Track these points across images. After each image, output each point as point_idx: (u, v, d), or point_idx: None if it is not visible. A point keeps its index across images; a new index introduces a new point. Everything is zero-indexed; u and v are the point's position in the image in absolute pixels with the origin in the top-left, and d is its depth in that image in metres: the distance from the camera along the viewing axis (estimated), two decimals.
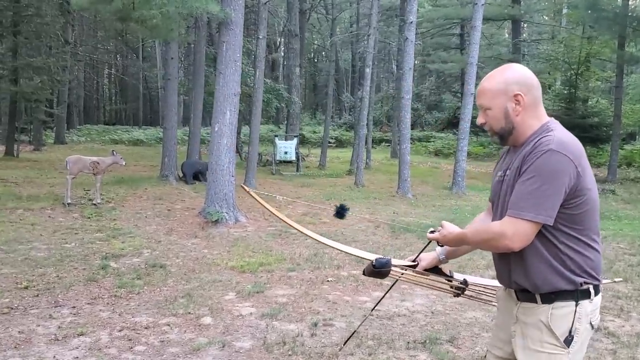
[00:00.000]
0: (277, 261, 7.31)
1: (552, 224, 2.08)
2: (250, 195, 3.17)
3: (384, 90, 43.78)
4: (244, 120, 22.92)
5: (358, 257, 3.05)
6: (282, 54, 41.74)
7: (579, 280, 2.13)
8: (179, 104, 28.73)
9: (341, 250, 3.18)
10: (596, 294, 2.19)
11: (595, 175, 22.08)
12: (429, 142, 34.11)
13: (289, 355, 4.35)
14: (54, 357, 4.19)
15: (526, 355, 2.19)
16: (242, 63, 17.36)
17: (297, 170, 20.79)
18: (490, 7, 27.01)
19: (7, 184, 13.51)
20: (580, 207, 2.11)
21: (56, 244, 7.86)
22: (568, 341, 2.12)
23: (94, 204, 10.89)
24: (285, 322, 5.10)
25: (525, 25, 37.57)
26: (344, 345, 4.48)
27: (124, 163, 11.70)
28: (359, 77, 31.69)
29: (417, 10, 17.33)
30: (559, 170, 2.03)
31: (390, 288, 3.27)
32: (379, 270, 2.57)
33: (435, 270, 2.67)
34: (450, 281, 2.70)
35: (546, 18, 40.88)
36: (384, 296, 3.45)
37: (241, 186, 3.76)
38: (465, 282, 2.70)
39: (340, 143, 34.97)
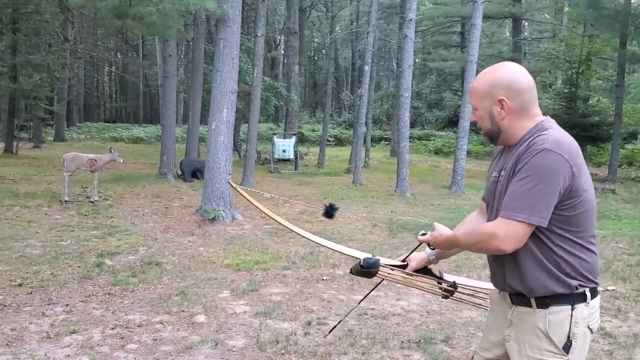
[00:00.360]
0: (273, 259, 7.29)
1: (546, 226, 2.02)
2: (237, 191, 3.13)
3: (384, 88, 43.74)
4: (243, 119, 22.89)
5: (347, 255, 3.00)
6: (282, 52, 41.67)
7: (574, 283, 2.08)
8: (179, 101, 28.78)
9: (329, 248, 3.13)
10: (593, 297, 2.13)
11: (596, 174, 22.07)
12: (429, 140, 34.04)
13: (282, 354, 4.32)
14: (45, 355, 4.17)
15: None
16: (241, 61, 17.40)
17: (296, 169, 20.76)
18: (490, 5, 26.95)
19: (5, 181, 13.50)
20: (576, 209, 2.05)
21: (52, 241, 7.83)
22: (567, 347, 2.07)
23: (92, 202, 10.87)
24: (279, 320, 5.07)
25: (526, 23, 37.51)
26: (329, 333, 4.47)
27: (121, 160, 11.69)
28: (359, 75, 31.68)
29: (418, 8, 17.34)
30: (553, 170, 1.98)
31: (377, 285, 3.22)
32: (366, 270, 2.51)
33: (425, 271, 2.62)
34: (440, 283, 2.65)
35: (547, 16, 40.83)
36: (370, 292, 3.42)
37: (228, 182, 3.73)
38: (454, 284, 2.64)
39: (339, 141, 34.94)
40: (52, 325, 4.75)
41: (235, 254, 7.55)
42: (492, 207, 2.24)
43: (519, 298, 2.17)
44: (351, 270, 2.61)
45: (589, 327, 2.12)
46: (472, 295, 2.80)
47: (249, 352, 4.35)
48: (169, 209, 10.76)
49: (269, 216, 3.19)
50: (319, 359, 4.25)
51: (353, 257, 2.85)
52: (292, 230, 3.17)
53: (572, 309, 2.08)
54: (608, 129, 23.42)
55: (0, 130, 26.40)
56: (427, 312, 5.47)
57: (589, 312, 2.12)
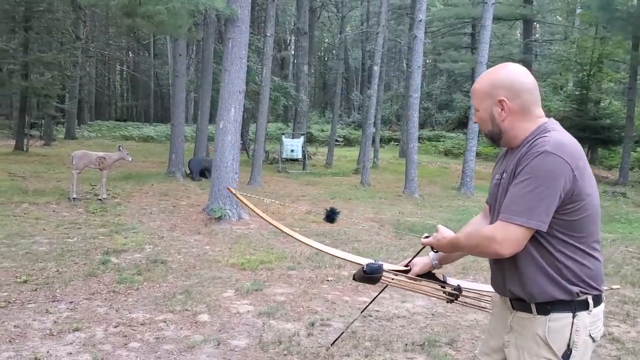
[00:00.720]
0: (278, 259, 7.27)
1: (545, 230, 1.98)
2: (236, 197, 3.11)
3: (393, 89, 43.68)
4: (252, 118, 22.91)
5: (349, 261, 2.96)
6: (292, 52, 41.68)
7: (575, 289, 2.03)
8: (189, 101, 28.81)
9: (330, 254, 3.09)
10: (596, 305, 2.07)
11: (607, 177, 21.92)
12: (439, 141, 33.93)
13: (284, 354, 4.30)
14: (48, 352, 4.17)
15: None
16: (251, 61, 17.42)
17: (304, 169, 20.76)
18: (501, 7, 26.83)
19: (15, 178, 13.57)
20: (578, 213, 2.00)
21: (58, 238, 7.85)
22: (567, 355, 2.02)
23: (100, 199, 10.90)
24: (283, 321, 5.05)
25: (537, 25, 37.34)
26: (331, 345, 4.43)
27: (130, 159, 11.71)
28: (369, 76, 31.64)
29: (428, 9, 17.30)
30: (553, 173, 1.93)
31: (379, 293, 3.19)
32: (370, 275, 2.47)
33: (428, 275, 2.59)
34: (444, 287, 2.61)
35: (559, 18, 40.63)
36: (371, 301, 3.39)
37: (227, 188, 3.71)
38: (458, 288, 2.59)
39: (348, 142, 34.92)
40: (55, 322, 4.75)
41: (241, 253, 7.54)
42: (494, 210, 2.21)
43: (520, 303, 2.13)
44: (354, 276, 2.56)
45: (590, 335, 2.07)
46: (477, 299, 2.76)
47: (251, 353, 4.33)
48: (176, 208, 10.77)
49: (269, 222, 3.15)
50: None
51: (356, 263, 2.81)
52: (292, 237, 3.13)
53: (574, 317, 2.04)
54: (619, 131, 23.28)
55: (12, 128, 26.56)
56: (432, 314, 5.43)
57: (591, 320, 2.07)
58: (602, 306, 2.12)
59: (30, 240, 7.63)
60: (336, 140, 26.55)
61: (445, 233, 2.30)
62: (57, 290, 5.62)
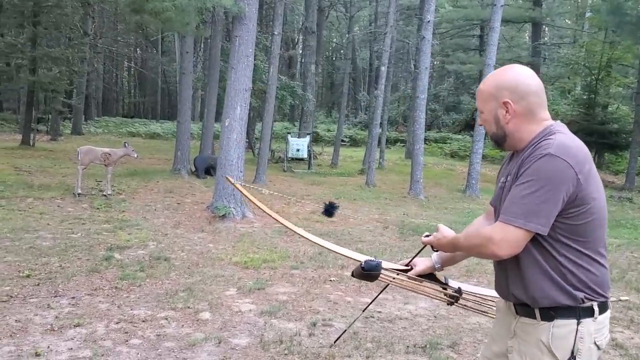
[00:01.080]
0: (281, 258, 7.26)
1: (546, 234, 1.95)
2: (236, 187, 3.09)
3: (401, 89, 43.60)
4: (258, 117, 22.91)
5: (347, 257, 2.95)
6: (300, 51, 41.66)
7: (580, 295, 1.99)
8: (196, 98, 28.84)
9: (329, 249, 3.07)
10: (601, 312, 2.04)
11: (613, 182, 21.81)
12: (445, 143, 33.82)
13: (285, 354, 4.29)
14: (48, 347, 4.16)
15: None
16: (258, 59, 17.42)
17: (309, 168, 20.74)
18: (510, 9, 26.76)
19: (20, 172, 13.60)
20: (583, 218, 1.97)
21: (62, 233, 7.86)
22: None
23: (104, 195, 10.91)
24: (284, 320, 5.03)
25: (546, 28, 37.23)
26: (333, 343, 4.42)
27: (135, 155, 11.71)
28: (376, 76, 31.62)
29: (437, 10, 17.26)
30: (556, 176, 1.90)
31: (381, 292, 3.17)
32: (367, 272, 2.47)
33: (429, 276, 2.56)
34: (445, 288, 2.59)
35: (568, 22, 40.52)
36: (373, 300, 3.37)
37: (225, 177, 3.70)
38: (459, 291, 2.57)
39: (354, 142, 34.87)
40: (56, 317, 4.75)
41: (244, 251, 7.53)
42: (498, 213, 2.18)
43: (524, 309, 2.10)
44: (353, 272, 2.56)
45: (595, 343, 2.03)
46: (478, 302, 2.73)
47: (252, 352, 4.32)
48: (180, 205, 10.77)
49: (267, 213, 3.14)
50: None
51: (355, 259, 2.79)
52: (292, 230, 3.12)
53: (578, 324, 2.00)
54: (627, 136, 23.17)
55: (19, 122, 26.64)
56: (435, 316, 5.41)
57: (596, 327, 2.03)
58: (607, 313, 2.08)
59: (34, 235, 7.63)
60: (342, 141, 26.52)
61: (445, 232, 2.28)
62: (60, 286, 5.62)
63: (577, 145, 1.98)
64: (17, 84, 23.96)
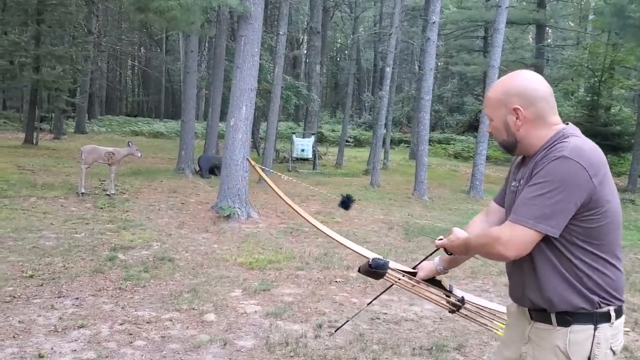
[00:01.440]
0: (287, 259, 7.22)
1: (556, 236, 1.92)
2: (256, 170, 3.08)
3: (405, 90, 43.55)
4: (263, 117, 22.88)
5: (359, 253, 2.94)
6: (304, 51, 41.63)
7: (596, 299, 1.97)
8: (200, 98, 28.82)
9: (341, 243, 3.05)
10: (617, 316, 2.02)
11: (616, 184, 21.92)
12: (449, 144, 33.79)
13: (291, 356, 4.25)
14: (52, 348, 4.12)
15: None
16: (263, 59, 17.40)
17: (314, 168, 20.71)
18: (514, 11, 26.70)
19: (24, 171, 13.58)
20: (598, 221, 1.95)
21: (66, 233, 7.82)
22: None
23: (108, 195, 10.88)
24: (290, 322, 4.99)
25: (549, 30, 37.14)
26: (335, 332, 4.42)
27: (139, 155, 11.68)
28: (380, 77, 31.55)
29: (441, 11, 17.18)
30: (569, 179, 1.88)
31: (387, 289, 3.14)
32: (374, 270, 2.49)
33: (435, 282, 2.56)
34: (449, 296, 2.58)
35: (571, 24, 40.44)
36: (381, 294, 3.33)
37: (247, 159, 3.70)
38: (462, 300, 2.57)
39: (358, 142, 34.84)
40: (60, 318, 4.71)
41: (249, 252, 7.49)
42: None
43: (539, 314, 2.07)
44: (359, 269, 2.58)
45: (611, 348, 2.00)
46: (478, 313, 2.71)
47: (258, 353, 4.28)
48: (184, 205, 10.74)
49: (284, 200, 3.12)
50: None
51: (364, 256, 2.78)
52: (309, 222, 3.10)
53: (595, 329, 1.98)
54: (629, 138, 23.11)
55: (22, 121, 26.64)
56: (440, 318, 5.36)
57: (612, 333, 2.01)
58: (623, 318, 2.06)
59: (38, 235, 7.60)
60: (347, 141, 26.47)
61: (458, 234, 2.25)
62: (63, 286, 5.58)
63: (591, 148, 1.97)
64: (21, 82, 23.96)
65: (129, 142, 11.95)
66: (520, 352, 2.14)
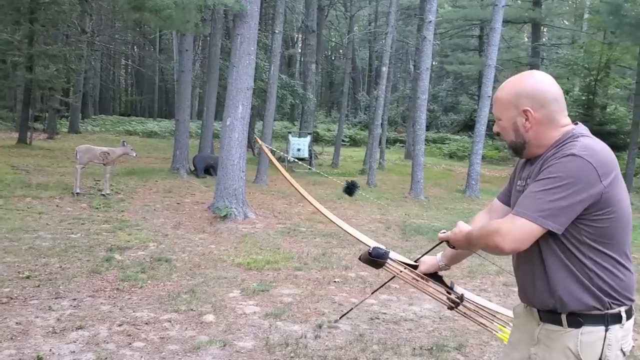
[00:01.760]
0: (285, 259, 7.18)
1: (559, 232, 1.90)
2: (265, 152, 3.05)
3: (400, 90, 43.58)
4: (258, 116, 22.82)
5: (361, 242, 2.92)
6: (299, 50, 41.57)
7: (606, 299, 1.95)
8: (194, 97, 28.74)
9: (346, 231, 3.01)
10: (628, 317, 2.00)
11: None
12: (443, 144, 33.84)
13: (291, 357, 4.22)
14: (50, 350, 4.08)
15: None
16: (258, 58, 17.34)
17: (309, 168, 20.66)
18: (510, 10, 26.74)
19: (18, 171, 13.49)
20: (609, 220, 1.93)
21: (62, 233, 7.77)
22: None
23: (103, 195, 10.81)
24: (289, 322, 4.96)
25: (545, 29, 37.20)
26: (339, 318, 4.43)
27: (134, 154, 11.62)
28: (376, 76, 31.52)
29: (437, 10, 17.15)
30: (577, 176, 1.85)
31: (389, 280, 3.12)
32: (374, 259, 2.49)
33: (435, 277, 2.54)
34: (449, 293, 2.55)
35: (567, 22, 40.52)
36: (382, 285, 3.32)
37: (256, 138, 3.68)
38: (461, 297, 2.54)
39: (354, 142, 34.84)
40: (58, 320, 4.66)
41: (247, 252, 7.45)
42: None
43: (549, 315, 2.05)
44: (360, 257, 2.58)
45: (622, 350, 1.99)
46: (477, 312, 2.69)
47: (258, 355, 4.25)
48: (180, 205, 10.69)
49: (290, 182, 3.12)
50: None
51: (366, 244, 2.76)
52: (315, 207, 3.09)
53: (606, 330, 1.96)
54: (625, 137, 23.18)
55: (15, 121, 26.50)
56: (440, 318, 5.35)
57: (623, 334, 1.99)
58: (633, 319, 2.04)
59: (34, 235, 7.54)
60: (342, 140, 26.44)
61: (462, 227, 2.22)
62: (61, 287, 5.53)
63: (601, 148, 1.95)
64: (14, 81, 23.79)
65: (123, 141, 11.88)
66: (530, 353, 2.12)
